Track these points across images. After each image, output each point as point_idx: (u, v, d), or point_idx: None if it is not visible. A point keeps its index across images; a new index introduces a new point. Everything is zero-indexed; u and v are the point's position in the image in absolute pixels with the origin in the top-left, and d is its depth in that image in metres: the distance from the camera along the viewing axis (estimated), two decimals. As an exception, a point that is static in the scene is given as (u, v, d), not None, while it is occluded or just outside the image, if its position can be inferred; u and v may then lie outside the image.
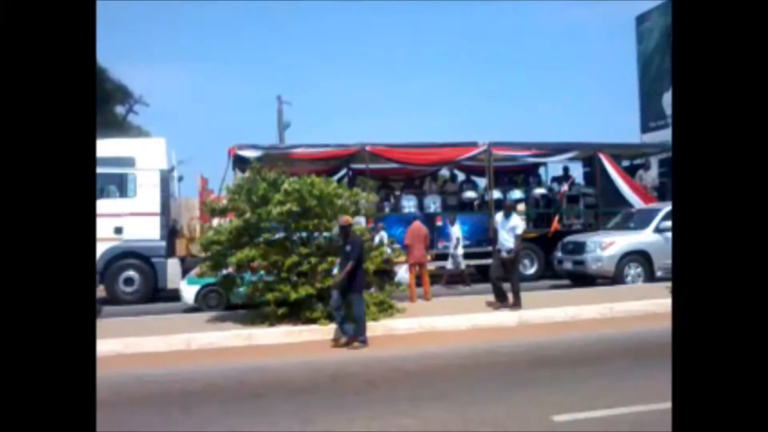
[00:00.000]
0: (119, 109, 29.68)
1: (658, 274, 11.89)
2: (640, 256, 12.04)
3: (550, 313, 8.69)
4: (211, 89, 66.09)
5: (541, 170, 16.91)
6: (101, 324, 8.75)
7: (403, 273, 10.18)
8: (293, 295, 7.94)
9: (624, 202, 14.47)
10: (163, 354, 7.31)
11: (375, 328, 8.01)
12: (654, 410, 4.44)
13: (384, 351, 7.14)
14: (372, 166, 14.11)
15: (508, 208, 9.34)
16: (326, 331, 7.83)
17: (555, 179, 16.68)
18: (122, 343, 7.42)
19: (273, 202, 8.14)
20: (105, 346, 7.18)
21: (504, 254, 8.99)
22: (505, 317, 8.53)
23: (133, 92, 29.37)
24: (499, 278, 9.06)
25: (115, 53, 56.51)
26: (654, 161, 16.60)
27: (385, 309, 8.59)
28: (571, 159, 15.84)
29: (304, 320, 8.05)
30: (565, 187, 15.23)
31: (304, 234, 8.54)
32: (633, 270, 12.07)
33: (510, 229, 8.97)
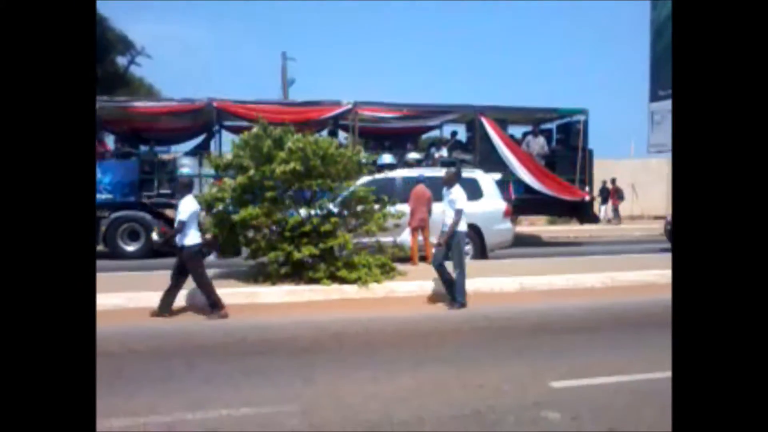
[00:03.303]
0: (121, 61, 29.24)
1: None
2: None
3: (551, 280, 8.73)
4: (214, 45, 65.08)
5: (435, 134, 16.08)
6: (104, 277, 8.82)
7: (405, 235, 10.16)
8: (296, 255, 7.95)
9: (508, 170, 13.69)
10: (166, 309, 7.37)
11: (377, 289, 8.06)
12: (654, 379, 4.50)
13: (385, 313, 7.20)
14: (243, 124, 13.10)
15: (184, 187, 7.31)
16: (329, 291, 7.88)
17: (432, 144, 15.70)
18: (125, 297, 7.46)
19: (277, 161, 8.09)
20: (108, 299, 7.24)
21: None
22: (506, 283, 8.57)
23: (134, 43, 28.89)
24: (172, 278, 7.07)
25: (119, 6, 55.48)
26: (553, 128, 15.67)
27: (387, 271, 8.62)
28: (450, 122, 15.05)
29: (307, 280, 8.09)
30: (443, 153, 14.31)
31: (307, 194, 8.50)
32: None
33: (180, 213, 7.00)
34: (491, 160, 13.54)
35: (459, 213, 7.34)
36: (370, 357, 5.35)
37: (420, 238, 10.11)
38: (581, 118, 14.53)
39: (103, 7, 26.01)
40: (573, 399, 4.23)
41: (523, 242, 15.23)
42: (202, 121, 13.53)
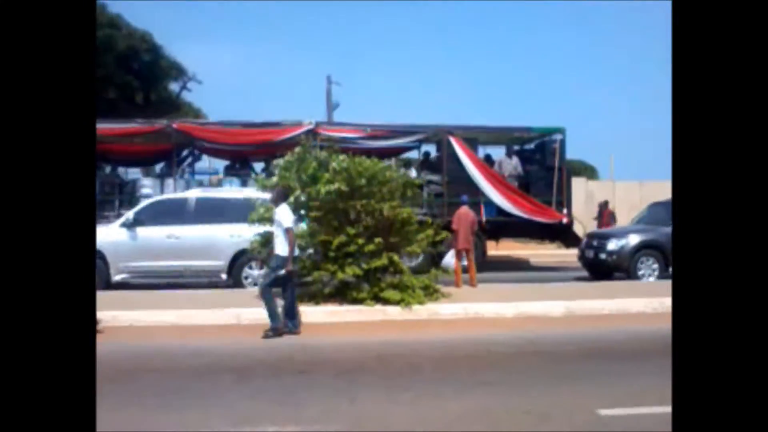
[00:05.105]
0: (173, 86, 30.35)
1: (116, 278, 9.92)
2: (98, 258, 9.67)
3: (598, 304, 8.54)
4: (261, 69, 66.94)
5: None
6: (156, 295, 9.10)
7: (449, 258, 10.14)
8: (340, 275, 8.03)
9: (478, 191, 13.23)
10: (214, 327, 7.53)
11: (420, 311, 8.05)
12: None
13: (429, 335, 7.17)
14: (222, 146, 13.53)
15: None
16: (372, 312, 7.92)
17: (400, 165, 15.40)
18: (175, 314, 7.68)
19: (322, 181, 8.22)
20: (158, 316, 7.47)
21: None
22: (553, 307, 8.43)
23: (187, 69, 29.96)
24: None
25: (169, 32, 57.79)
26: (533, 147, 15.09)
27: (431, 293, 8.61)
28: (417, 142, 14.62)
29: (351, 300, 8.15)
30: (411, 174, 13.68)
31: (352, 214, 8.59)
32: None
33: None
34: (460, 181, 13.30)
35: (290, 231, 7.05)
36: (414, 379, 5.34)
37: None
38: (558, 137, 14.03)
39: (157, 35, 27.05)
40: (622, 428, 4.13)
41: (501, 267, 14.76)
42: (165, 143, 13.62)
